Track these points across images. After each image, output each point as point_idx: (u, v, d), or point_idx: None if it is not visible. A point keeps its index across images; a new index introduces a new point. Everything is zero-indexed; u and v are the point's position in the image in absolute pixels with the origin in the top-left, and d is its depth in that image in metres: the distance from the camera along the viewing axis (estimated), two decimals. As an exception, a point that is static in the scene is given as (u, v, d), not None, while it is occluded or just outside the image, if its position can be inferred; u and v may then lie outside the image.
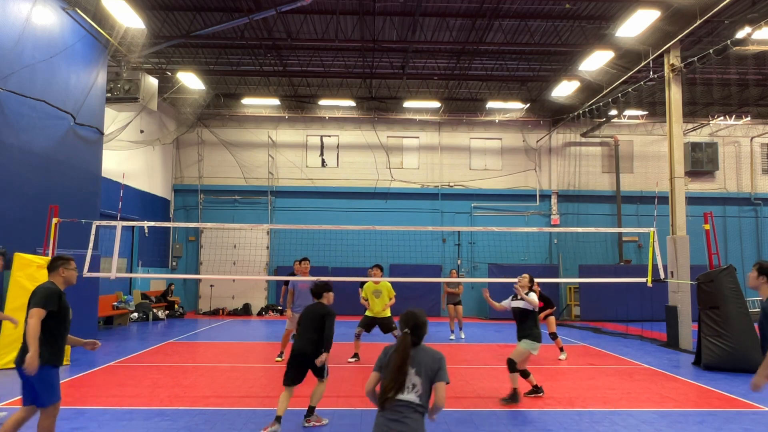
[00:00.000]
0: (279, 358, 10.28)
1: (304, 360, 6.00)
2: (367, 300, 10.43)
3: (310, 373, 6.11)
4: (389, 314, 10.20)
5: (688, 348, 11.96)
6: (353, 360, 10.19)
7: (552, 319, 11.45)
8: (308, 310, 6.21)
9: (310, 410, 6.19)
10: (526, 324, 7.47)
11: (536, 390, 7.59)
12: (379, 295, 10.23)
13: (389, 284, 10.44)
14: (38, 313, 4.60)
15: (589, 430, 6.07)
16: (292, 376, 6.01)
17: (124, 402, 6.97)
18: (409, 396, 3.48)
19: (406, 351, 3.54)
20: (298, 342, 6.10)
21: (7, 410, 6.17)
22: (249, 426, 6.02)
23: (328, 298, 6.29)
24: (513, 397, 7.20)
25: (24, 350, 4.64)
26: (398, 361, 3.51)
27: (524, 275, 7.84)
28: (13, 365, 9.15)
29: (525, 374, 7.46)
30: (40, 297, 4.65)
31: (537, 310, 7.60)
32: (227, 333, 14.74)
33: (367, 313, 10.35)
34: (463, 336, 14.03)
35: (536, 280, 8.23)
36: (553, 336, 11.17)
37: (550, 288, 20.34)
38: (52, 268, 4.90)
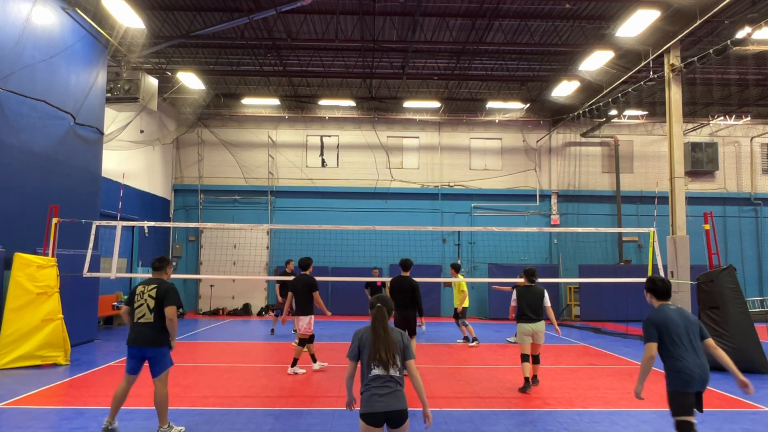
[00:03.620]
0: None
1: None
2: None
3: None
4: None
5: (688, 348, 11.94)
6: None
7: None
8: (397, 283, 8.62)
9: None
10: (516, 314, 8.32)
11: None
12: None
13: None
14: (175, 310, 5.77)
15: (589, 430, 6.08)
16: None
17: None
18: (393, 372, 3.87)
19: (384, 320, 3.96)
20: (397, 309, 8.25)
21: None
22: (249, 426, 6.02)
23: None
24: (525, 387, 7.97)
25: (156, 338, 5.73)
26: (381, 329, 3.92)
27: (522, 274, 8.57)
28: (15, 365, 9.17)
29: (534, 360, 8.22)
30: (176, 295, 5.78)
31: (513, 305, 8.35)
32: (227, 333, 14.74)
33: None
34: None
35: (536, 280, 8.38)
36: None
37: (551, 288, 20.36)
38: (160, 267, 5.97)
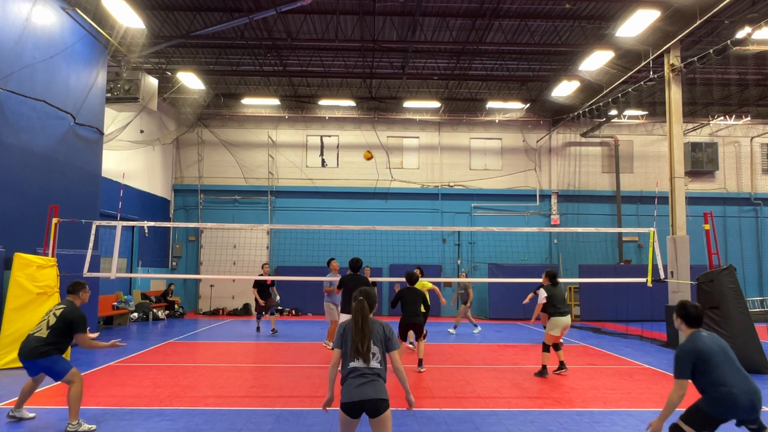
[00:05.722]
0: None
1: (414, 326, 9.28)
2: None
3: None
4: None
5: (688, 348, 11.93)
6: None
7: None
8: (411, 291, 9.43)
9: (420, 362, 9.23)
10: (546, 310, 9.01)
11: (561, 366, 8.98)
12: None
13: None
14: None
15: (589, 430, 6.07)
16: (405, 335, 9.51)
17: (124, 402, 6.97)
18: (374, 363, 3.98)
19: (365, 312, 4.08)
20: (407, 316, 9.23)
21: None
22: (249, 426, 6.02)
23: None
24: (542, 372, 8.82)
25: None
26: (360, 321, 4.04)
27: (544, 274, 9.36)
28: (15, 365, 9.17)
29: (556, 347, 9.06)
30: (83, 322, 6.00)
31: (542, 302, 9.12)
32: (227, 333, 14.74)
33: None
34: (477, 330, 15.10)
35: (533, 280, 9.10)
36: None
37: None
38: (73, 291, 6.19)
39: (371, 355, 3.98)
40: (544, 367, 8.85)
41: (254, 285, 14.11)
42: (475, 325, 15.22)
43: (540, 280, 9.51)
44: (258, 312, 14.52)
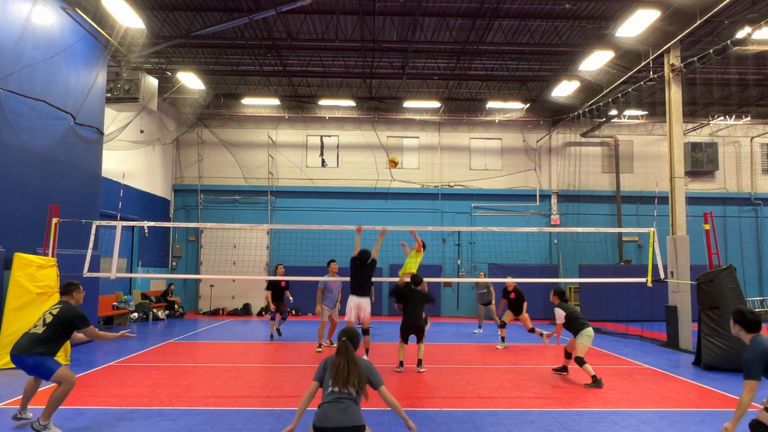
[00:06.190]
0: (320, 349, 11.39)
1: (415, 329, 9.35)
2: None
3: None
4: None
5: (688, 348, 11.96)
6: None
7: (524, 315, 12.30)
8: (414, 293, 9.42)
9: (419, 362, 9.25)
10: (571, 326, 8.81)
11: (595, 381, 8.34)
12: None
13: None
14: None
15: (589, 430, 6.07)
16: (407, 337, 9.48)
17: (124, 402, 6.97)
18: (351, 390, 4.17)
19: (348, 352, 4.31)
20: (409, 318, 9.32)
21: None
22: (249, 426, 6.02)
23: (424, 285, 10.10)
24: (596, 382, 8.27)
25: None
26: (341, 361, 4.25)
27: (552, 292, 9.27)
28: (13, 366, 9.16)
29: (581, 362, 8.54)
30: (84, 319, 6.01)
31: (561, 322, 8.89)
32: (227, 333, 14.74)
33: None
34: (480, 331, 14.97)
35: (533, 280, 8.89)
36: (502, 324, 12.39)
37: (551, 287, 20.30)
38: (66, 292, 6.22)
39: (351, 386, 4.20)
40: (594, 376, 8.34)
41: (268, 287, 13.13)
42: (480, 327, 15.25)
43: (538, 279, 9.53)
44: (271, 315, 13.21)
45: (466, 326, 16.11)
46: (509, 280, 12.58)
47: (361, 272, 9.80)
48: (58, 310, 5.97)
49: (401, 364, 9.37)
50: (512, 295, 12.29)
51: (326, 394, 4.21)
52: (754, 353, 4.38)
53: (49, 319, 5.88)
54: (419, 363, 9.32)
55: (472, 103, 21.13)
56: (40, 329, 5.83)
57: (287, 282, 13.07)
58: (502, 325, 12.31)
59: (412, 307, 9.43)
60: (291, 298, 13.30)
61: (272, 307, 13.04)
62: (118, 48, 13.82)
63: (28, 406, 6.11)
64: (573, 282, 19.53)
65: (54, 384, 5.77)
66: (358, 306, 9.66)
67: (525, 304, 12.17)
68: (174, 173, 21.61)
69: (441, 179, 21.86)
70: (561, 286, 9.44)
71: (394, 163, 12.85)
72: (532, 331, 11.93)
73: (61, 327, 5.89)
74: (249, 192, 21.58)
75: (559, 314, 8.86)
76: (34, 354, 5.70)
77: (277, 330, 13.41)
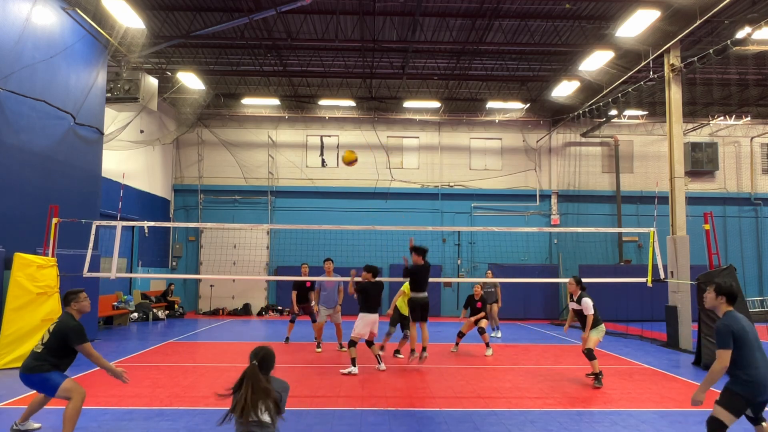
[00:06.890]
0: (319, 349, 11.47)
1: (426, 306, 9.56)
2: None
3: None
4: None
5: (688, 348, 11.96)
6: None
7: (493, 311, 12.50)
8: (422, 268, 9.71)
9: (423, 349, 9.28)
10: (586, 320, 8.65)
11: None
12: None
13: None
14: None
15: (589, 430, 6.07)
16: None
17: (124, 402, 6.97)
18: (263, 416, 3.77)
19: (255, 378, 3.85)
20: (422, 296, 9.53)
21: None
22: (249, 426, 6.01)
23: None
24: (598, 379, 8.21)
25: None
26: (246, 389, 3.80)
27: (570, 280, 9.01)
28: (15, 365, 9.16)
29: (590, 356, 8.40)
30: (79, 334, 5.58)
31: (592, 312, 8.69)
32: (227, 333, 14.74)
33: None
34: (499, 335, 14.24)
35: (533, 280, 8.78)
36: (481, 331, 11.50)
37: (551, 288, 20.37)
38: (66, 302, 5.84)
39: (261, 410, 3.79)
40: (598, 374, 8.25)
41: (294, 287, 12.23)
42: (495, 328, 14.87)
43: (538, 279, 9.49)
44: (292, 317, 12.54)
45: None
46: (478, 288, 11.96)
47: (375, 290, 9.66)
48: (55, 325, 5.69)
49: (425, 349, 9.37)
50: (479, 304, 11.68)
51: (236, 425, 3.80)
52: (727, 325, 4.43)
53: (46, 338, 5.63)
54: (424, 349, 9.34)
55: (472, 103, 21.13)
56: (39, 348, 5.60)
57: (312, 282, 12.00)
58: (462, 335, 11.84)
59: (424, 280, 9.64)
60: (314, 302, 11.93)
61: (296, 309, 12.25)
62: (118, 48, 13.82)
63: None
64: (573, 282, 19.50)
65: (64, 400, 5.52)
66: (374, 323, 9.45)
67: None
68: (174, 173, 21.61)
69: (441, 179, 21.86)
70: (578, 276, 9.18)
71: (349, 160, 10.86)
72: (482, 331, 11.39)
73: (59, 343, 5.55)
74: (249, 192, 21.59)
75: (589, 304, 8.66)
76: (38, 372, 5.49)
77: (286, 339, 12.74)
